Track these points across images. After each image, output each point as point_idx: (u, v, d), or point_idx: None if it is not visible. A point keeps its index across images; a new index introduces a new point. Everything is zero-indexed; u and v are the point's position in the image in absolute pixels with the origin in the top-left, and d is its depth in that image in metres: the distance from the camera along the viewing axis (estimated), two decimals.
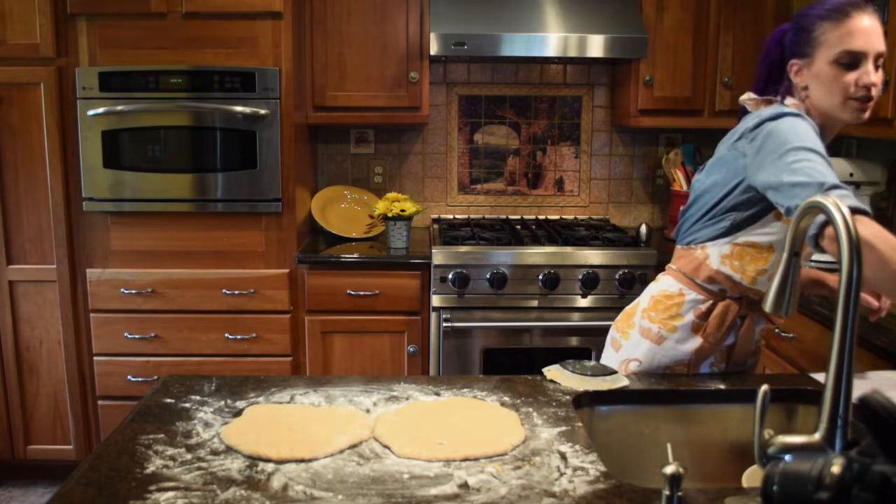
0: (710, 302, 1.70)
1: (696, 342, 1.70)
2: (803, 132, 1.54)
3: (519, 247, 2.99)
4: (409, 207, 3.13)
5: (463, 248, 2.96)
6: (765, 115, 1.61)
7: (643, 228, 3.09)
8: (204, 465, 1.21)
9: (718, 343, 1.71)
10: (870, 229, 1.34)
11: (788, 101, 1.67)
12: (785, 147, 1.51)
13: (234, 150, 2.92)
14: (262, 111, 2.88)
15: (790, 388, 1.58)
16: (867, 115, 1.61)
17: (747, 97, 1.76)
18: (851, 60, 1.56)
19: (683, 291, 1.73)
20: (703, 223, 1.71)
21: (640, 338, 1.76)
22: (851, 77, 1.57)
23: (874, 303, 1.76)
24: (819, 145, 1.54)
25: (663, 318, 1.73)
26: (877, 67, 1.57)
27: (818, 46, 1.59)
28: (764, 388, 1.05)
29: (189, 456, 1.24)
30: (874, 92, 1.57)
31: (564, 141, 3.64)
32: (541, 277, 2.95)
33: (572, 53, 3.02)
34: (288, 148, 2.95)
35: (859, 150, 3.18)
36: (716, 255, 1.68)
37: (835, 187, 1.41)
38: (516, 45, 3.00)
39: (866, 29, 1.55)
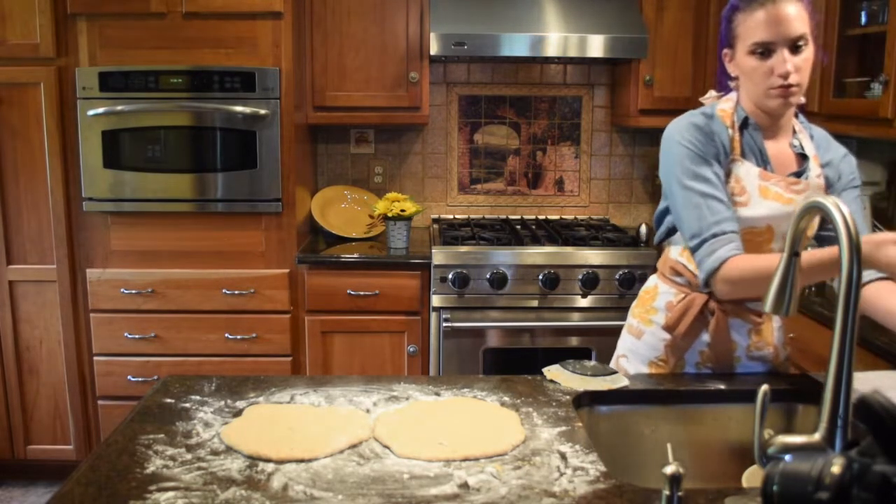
0: (682, 296, 1.70)
1: (667, 335, 1.72)
2: (673, 155, 1.62)
3: (519, 247, 2.99)
4: (409, 207, 3.13)
5: (463, 248, 2.96)
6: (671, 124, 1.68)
7: (643, 228, 3.09)
8: (204, 465, 1.21)
9: (687, 337, 1.68)
10: (741, 266, 1.50)
11: (733, 94, 1.69)
12: (668, 176, 1.63)
13: (234, 150, 2.92)
14: (262, 111, 2.88)
15: (790, 388, 1.58)
16: (796, 99, 1.57)
17: (707, 95, 1.76)
18: (764, 50, 1.54)
19: (658, 285, 1.76)
20: (665, 219, 1.75)
21: (625, 333, 1.83)
22: (767, 66, 1.54)
23: None
24: (696, 163, 1.59)
25: (642, 313, 1.78)
26: (797, 50, 1.53)
27: (736, 38, 1.58)
28: (764, 388, 1.05)
29: (189, 456, 1.24)
30: (794, 78, 1.52)
31: (564, 141, 3.64)
32: (541, 277, 2.95)
33: (572, 53, 3.02)
34: (288, 148, 2.95)
35: (859, 150, 3.17)
36: (676, 248, 1.72)
37: (699, 244, 1.56)
38: (516, 45, 3.00)
39: (777, 17, 1.51)
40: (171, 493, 1.11)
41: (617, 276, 2.97)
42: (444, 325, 2.95)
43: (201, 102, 2.88)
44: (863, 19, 2.72)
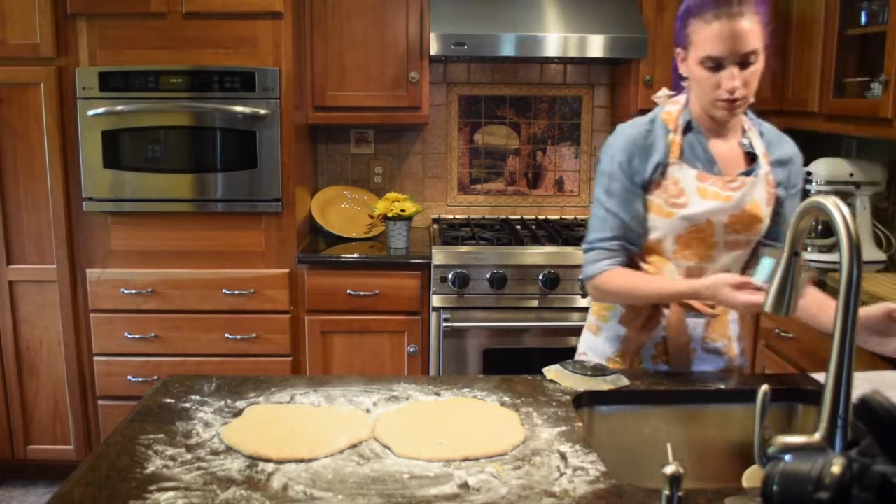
0: None
1: (622, 330, 1.75)
2: (603, 164, 1.69)
3: (519, 247, 2.99)
4: (409, 207, 3.13)
5: (463, 248, 2.96)
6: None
7: None
8: (204, 465, 1.21)
9: (643, 332, 1.71)
10: (620, 279, 1.64)
11: (682, 97, 1.72)
12: (596, 179, 1.72)
13: (234, 150, 2.92)
14: (262, 111, 2.88)
15: (790, 388, 1.58)
16: (741, 110, 1.62)
17: (660, 93, 1.79)
18: (714, 64, 1.55)
19: None
20: None
21: (585, 330, 1.86)
22: (715, 79, 1.56)
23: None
24: (613, 179, 1.66)
25: (599, 310, 1.81)
26: (746, 65, 1.54)
27: (689, 44, 1.59)
28: (764, 388, 1.05)
29: (189, 456, 1.24)
30: (740, 92, 1.55)
31: (564, 141, 3.64)
32: (541, 277, 2.95)
33: (572, 53, 3.02)
34: (288, 148, 2.95)
35: (859, 150, 3.18)
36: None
37: (589, 250, 1.69)
38: (516, 45, 3.00)
39: (730, 33, 1.52)
40: (171, 493, 1.11)
41: None
42: (444, 325, 2.95)
43: (201, 102, 2.88)
44: (863, 19, 2.72)
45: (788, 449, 1.06)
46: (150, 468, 1.19)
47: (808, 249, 2.88)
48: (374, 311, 3.02)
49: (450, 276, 2.94)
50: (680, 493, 1.02)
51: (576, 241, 3.06)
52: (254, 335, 3.00)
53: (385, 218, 3.15)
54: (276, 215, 2.98)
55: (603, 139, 3.62)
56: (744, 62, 1.53)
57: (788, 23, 3.15)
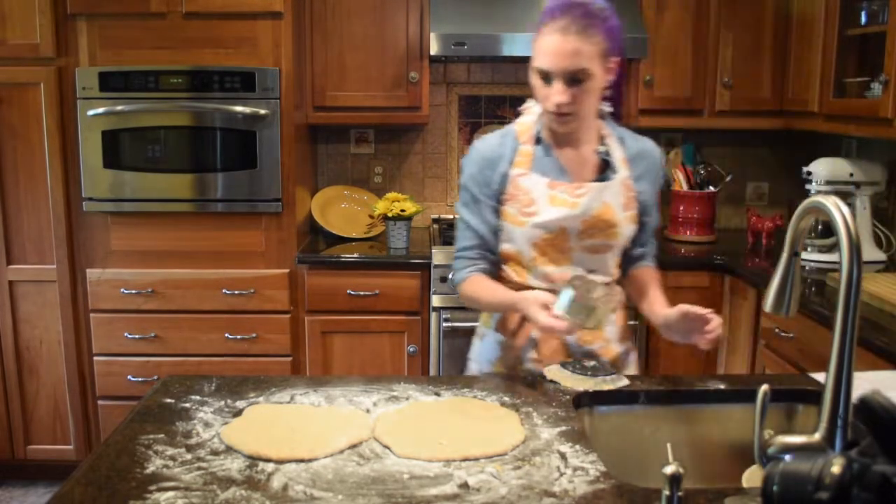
0: None
1: (501, 337, 1.78)
2: (462, 176, 1.74)
3: None
4: (409, 207, 3.13)
5: None
6: None
7: None
8: (204, 465, 1.21)
9: (517, 337, 1.73)
10: (473, 286, 1.70)
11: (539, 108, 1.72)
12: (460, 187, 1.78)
13: (234, 150, 2.92)
14: (262, 111, 2.88)
15: (790, 388, 1.58)
16: (575, 124, 1.63)
17: (526, 104, 1.79)
18: (544, 76, 1.58)
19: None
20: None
21: (473, 338, 1.89)
22: (545, 92, 1.59)
23: (700, 309, 1.57)
24: (466, 192, 1.72)
25: (484, 317, 1.85)
26: (577, 82, 1.55)
27: (533, 53, 1.61)
28: (764, 388, 1.05)
29: (189, 456, 1.24)
30: (567, 108, 1.57)
31: None
32: None
33: None
34: (288, 148, 2.95)
35: (859, 150, 3.18)
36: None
37: (456, 258, 1.76)
38: (516, 45, 3.00)
39: (557, 49, 1.54)
40: (171, 493, 1.11)
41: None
42: (444, 325, 2.95)
43: (201, 102, 2.88)
44: (863, 19, 2.72)
45: (788, 449, 1.06)
46: (150, 468, 1.19)
47: (809, 249, 2.88)
48: (374, 311, 3.02)
49: (450, 276, 2.94)
50: (680, 493, 1.02)
51: None
52: (254, 335, 3.00)
53: (385, 218, 3.15)
54: (276, 215, 2.98)
55: None
56: (573, 79, 1.55)
57: (788, 23, 3.15)
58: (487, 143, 1.74)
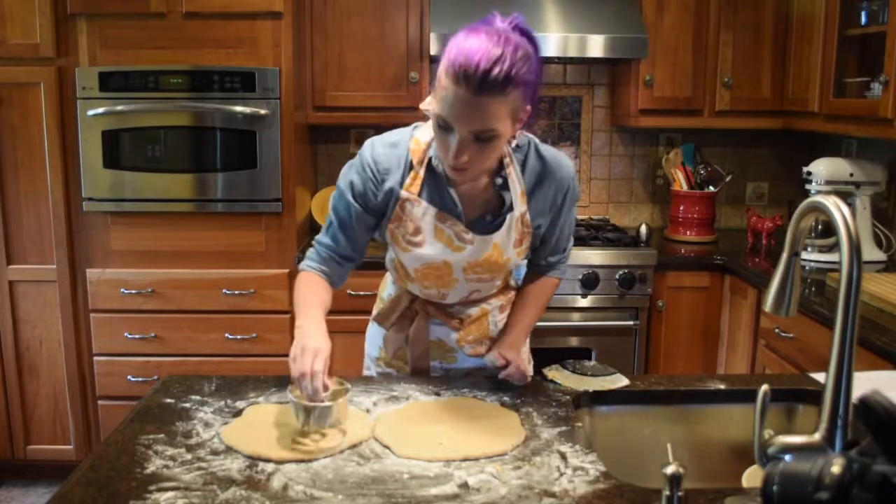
0: (399, 292, 1.76)
1: (384, 331, 1.78)
2: (342, 176, 1.61)
3: None
4: None
5: None
6: None
7: (643, 228, 3.09)
8: (204, 465, 1.21)
9: (399, 332, 1.74)
10: (301, 282, 1.63)
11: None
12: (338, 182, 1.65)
13: (234, 150, 2.92)
14: (262, 111, 2.88)
15: (790, 388, 1.58)
16: (471, 176, 1.45)
17: (426, 103, 1.66)
18: (444, 126, 1.36)
19: (388, 277, 1.85)
20: None
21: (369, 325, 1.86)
22: (445, 140, 1.38)
23: (501, 360, 1.60)
24: (341, 198, 1.59)
25: (376, 305, 1.85)
26: (478, 140, 1.34)
27: (437, 85, 1.38)
28: (764, 388, 1.05)
29: (189, 456, 1.24)
30: (465, 164, 1.37)
31: (564, 141, 3.64)
32: None
33: (572, 53, 3.02)
34: (288, 148, 2.95)
35: (859, 150, 3.18)
36: (390, 254, 1.76)
37: (312, 245, 1.67)
38: None
39: (461, 106, 1.31)
40: (171, 493, 1.11)
41: (617, 276, 2.97)
42: None
43: (201, 102, 2.87)
44: (863, 19, 2.72)
45: (788, 449, 1.06)
46: (150, 468, 1.19)
47: (809, 249, 2.88)
48: None
49: None
50: (680, 493, 1.02)
51: (576, 241, 3.05)
52: (254, 335, 3.00)
53: None
54: (276, 215, 2.98)
55: (603, 139, 3.64)
56: (478, 138, 1.34)
57: (788, 23, 3.16)
58: (379, 157, 1.55)
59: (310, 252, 1.66)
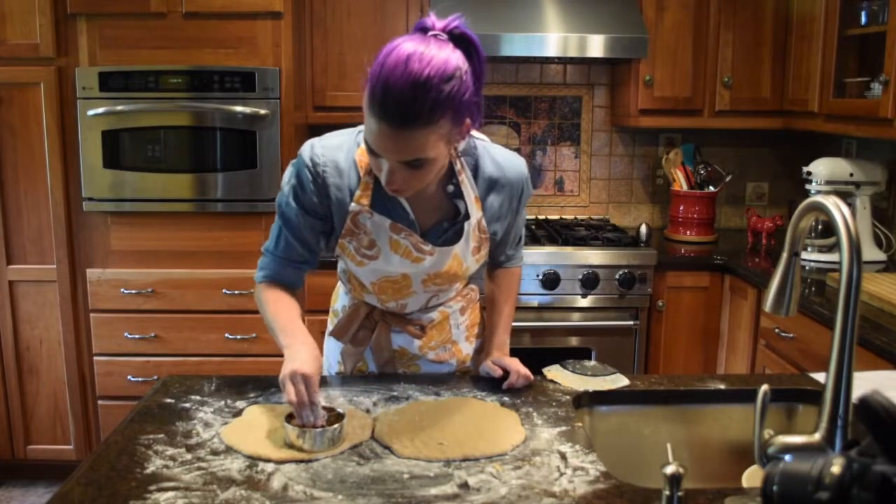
0: (354, 302, 1.72)
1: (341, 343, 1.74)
2: (286, 177, 1.53)
3: None
4: None
5: None
6: None
7: (643, 228, 3.09)
8: (204, 465, 1.21)
9: (358, 344, 1.69)
10: (265, 294, 1.53)
11: None
12: (281, 186, 1.56)
13: (234, 150, 2.92)
14: (262, 111, 2.88)
15: (790, 388, 1.58)
16: (408, 194, 1.40)
17: None
18: (374, 152, 1.31)
19: (339, 288, 1.81)
20: None
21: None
22: (377, 163, 1.33)
23: (497, 371, 1.58)
24: (289, 204, 1.50)
25: (329, 319, 1.79)
26: (409, 166, 1.29)
27: (364, 114, 1.28)
28: (764, 388, 1.05)
29: (189, 456, 1.24)
30: (400, 186, 1.33)
31: (564, 141, 3.64)
32: (540, 277, 2.95)
33: (572, 53, 3.02)
34: (288, 148, 2.95)
35: (859, 150, 3.18)
36: (341, 265, 1.70)
37: (263, 256, 1.57)
38: (516, 44, 3.00)
39: (386, 139, 1.25)
40: (171, 493, 1.11)
41: (617, 276, 2.97)
42: None
43: (201, 102, 2.88)
44: (863, 19, 2.72)
45: (788, 449, 1.06)
46: (150, 468, 1.19)
47: (809, 249, 2.88)
48: None
49: None
50: (680, 493, 1.02)
51: (576, 241, 3.06)
52: (254, 335, 3.00)
53: None
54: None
55: (603, 139, 3.64)
56: (410, 164, 1.28)
57: (788, 23, 3.16)
58: (328, 156, 1.47)
59: (261, 262, 1.57)
